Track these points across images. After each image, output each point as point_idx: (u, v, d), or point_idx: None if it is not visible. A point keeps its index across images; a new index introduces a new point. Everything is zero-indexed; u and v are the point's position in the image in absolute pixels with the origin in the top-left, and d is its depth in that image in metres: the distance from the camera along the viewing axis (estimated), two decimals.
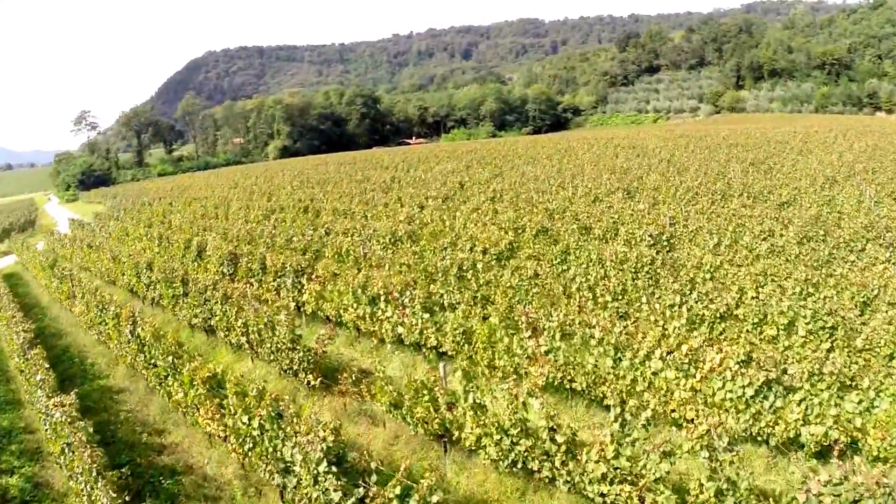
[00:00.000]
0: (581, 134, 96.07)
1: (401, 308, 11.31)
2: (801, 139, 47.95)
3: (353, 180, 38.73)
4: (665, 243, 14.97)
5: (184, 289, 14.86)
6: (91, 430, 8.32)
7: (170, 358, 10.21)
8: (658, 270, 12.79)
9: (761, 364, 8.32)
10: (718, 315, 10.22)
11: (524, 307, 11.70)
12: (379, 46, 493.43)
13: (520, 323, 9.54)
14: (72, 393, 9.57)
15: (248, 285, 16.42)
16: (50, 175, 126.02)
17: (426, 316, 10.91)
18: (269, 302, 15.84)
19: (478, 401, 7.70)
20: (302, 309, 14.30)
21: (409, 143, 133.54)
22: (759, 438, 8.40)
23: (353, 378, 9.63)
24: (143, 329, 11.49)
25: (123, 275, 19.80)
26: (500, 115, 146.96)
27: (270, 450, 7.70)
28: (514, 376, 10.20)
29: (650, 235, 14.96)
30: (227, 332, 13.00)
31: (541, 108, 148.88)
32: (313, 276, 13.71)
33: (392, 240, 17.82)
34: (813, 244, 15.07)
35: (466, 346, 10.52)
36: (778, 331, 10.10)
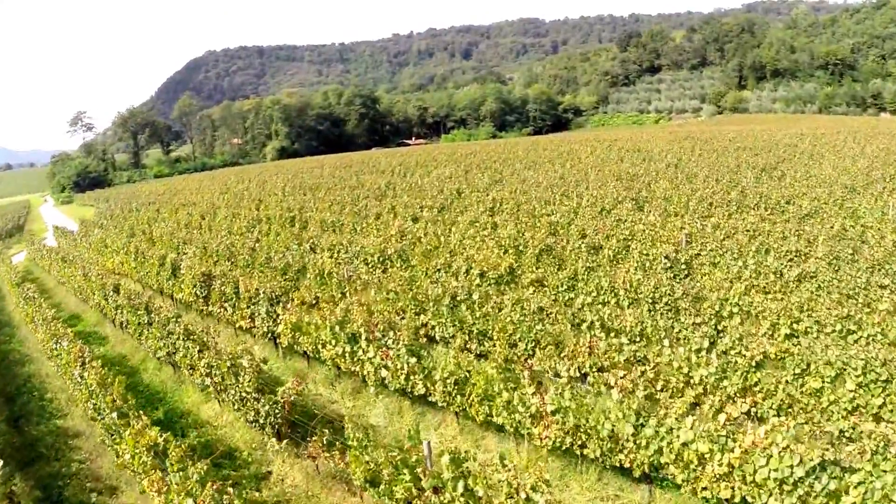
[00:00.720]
0: (582, 135, 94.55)
1: (384, 349, 9.86)
2: (809, 142, 46.51)
3: (347, 186, 37.25)
4: (683, 266, 13.51)
5: (148, 317, 13.40)
6: None
7: (114, 414, 8.75)
8: (678, 301, 11.36)
9: (814, 434, 6.93)
10: (754, 364, 8.75)
11: (527, 348, 10.28)
12: (379, 46, 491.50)
13: (521, 377, 8.09)
14: None
15: (222, 309, 15.00)
16: (47, 176, 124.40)
17: (413, 360, 9.46)
18: (244, 329, 14.42)
19: (469, 488, 6.25)
20: (278, 341, 12.85)
21: (408, 144, 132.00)
22: None
23: (326, 440, 8.17)
24: (89, 373, 10.03)
25: (94, 294, 18.36)
26: (501, 116, 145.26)
27: None
28: (515, 437, 8.79)
29: (666, 257, 13.50)
30: (190, 371, 11.56)
31: (541, 109, 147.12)
32: (288, 306, 12.25)
33: (381, 259, 16.37)
34: (847, 268, 13.63)
35: (459, 397, 9.08)
36: (823, 383, 8.65)
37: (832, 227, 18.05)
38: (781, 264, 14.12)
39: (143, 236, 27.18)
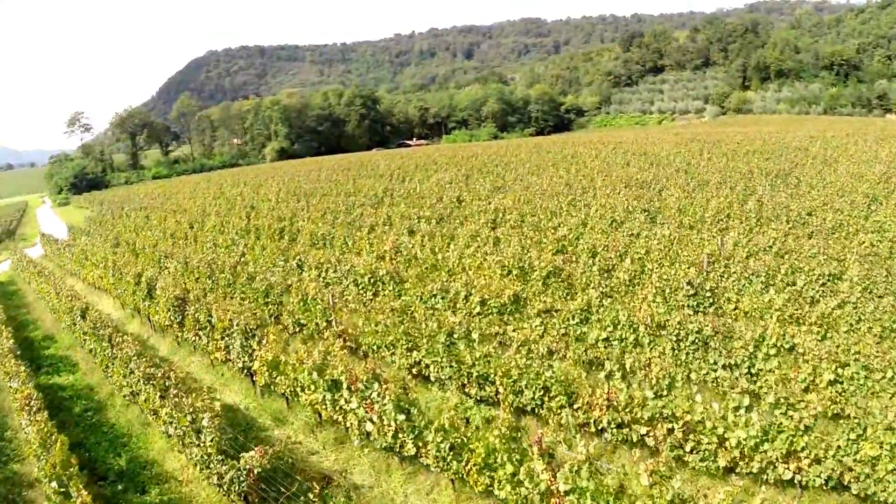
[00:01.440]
0: (586, 136, 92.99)
1: (367, 402, 8.54)
2: (820, 145, 45.09)
3: (343, 192, 35.92)
4: (707, 293, 12.15)
5: (111, 350, 12.08)
6: None
7: (54, 483, 7.45)
8: (706, 339, 10.02)
9: None
10: (802, 428, 7.41)
11: (534, 397, 8.95)
12: (381, 46, 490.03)
13: (530, 450, 6.76)
14: None
15: (196, 337, 13.68)
16: (45, 177, 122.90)
17: (401, 417, 8.13)
18: (220, 360, 13.10)
19: None
20: (254, 379, 11.53)
21: (409, 145, 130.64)
22: None
23: None
24: (33, 427, 8.72)
25: (64, 315, 17.07)
26: (503, 116, 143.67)
27: None
28: None
29: (689, 283, 12.16)
30: (154, 416, 10.25)
31: (543, 109, 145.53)
32: (264, 342, 10.92)
33: (372, 280, 15.03)
34: (885, 294, 12.29)
35: (455, 463, 7.75)
36: (881, 450, 7.31)
37: (861, 244, 16.74)
38: (814, 290, 12.81)
39: (126, 247, 25.88)
